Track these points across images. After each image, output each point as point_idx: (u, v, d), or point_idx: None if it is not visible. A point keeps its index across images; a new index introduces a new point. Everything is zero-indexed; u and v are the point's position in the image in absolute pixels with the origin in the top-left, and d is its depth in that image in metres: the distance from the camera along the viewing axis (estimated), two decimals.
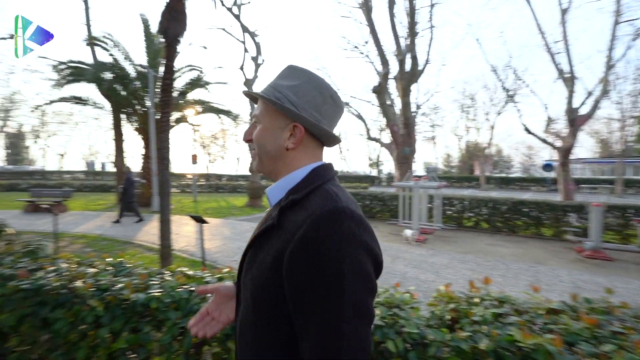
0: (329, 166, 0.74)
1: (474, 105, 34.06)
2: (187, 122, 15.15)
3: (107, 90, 12.47)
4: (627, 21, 11.75)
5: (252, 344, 0.68)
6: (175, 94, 12.69)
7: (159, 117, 12.08)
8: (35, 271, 2.17)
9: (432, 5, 13.35)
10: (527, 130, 13.20)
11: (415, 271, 5.14)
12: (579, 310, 1.50)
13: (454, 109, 48.70)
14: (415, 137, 14.15)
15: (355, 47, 16.83)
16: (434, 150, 54.74)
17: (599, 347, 1.20)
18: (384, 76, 13.72)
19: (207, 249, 5.62)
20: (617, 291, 1.79)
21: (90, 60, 13.22)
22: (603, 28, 13.94)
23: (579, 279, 4.86)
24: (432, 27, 13.61)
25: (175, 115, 13.67)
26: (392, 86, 14.57)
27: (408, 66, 13.30)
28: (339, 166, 45.25)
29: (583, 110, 11.76)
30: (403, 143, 13.09)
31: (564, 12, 12.05)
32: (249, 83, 15.60)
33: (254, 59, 16.33)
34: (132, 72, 12.94)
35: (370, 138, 18.59)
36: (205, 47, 16.69)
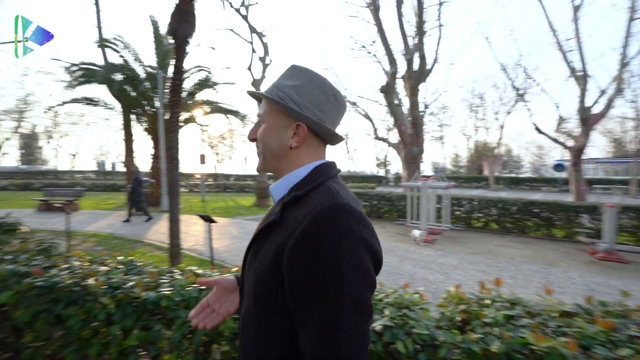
0: (331, 164, 0.75)
1: (483, 104, 33.71)
2: (195, 122, 15.30)
3: (118, 91, 12.67)
4: None
5: (254, 339, 0.69)
6: (184, 94, 12.82)
7: (168, 117, 12.24)
8: (49, 269, 2.22)
9: (440, 4, 13.22)
10: (538, 130, 12.99)
11: (423, 272, 5.10)
12: (594, 313, 1.47)
13: (463, 109, 48.25)
14: (424, 137, 14.03)
15: (363, 46, 16.79)
16: (442, 150, 54.32)
17: (615, 351, 1.17)
18: (392, 75, 13.65)
19: (215, 248, 5.66)
20: (632, 294, 1.75)
21: (101, 62, 13.45)
22: (617, 25, 13.57)
23: (592, 282, 4.76)
24: (440, 25, 13.50)
25: (183, 115, 13.81)
26: (399, 86, 14.50)
27: (416, 65, 13.20)
28: (346, 166, 45.20)
29: (596, 109, 11.53)
30: (411, 143, 13.00)
31: (577, 9, 11.82)
32: (256, 83, 15.68)
33: (262, 59, 16.40)
34: (141, 73, 13.12)
35: (377, 138, 18.51)
36: (213, 48, 16.84)
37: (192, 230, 8.17)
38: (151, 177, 13.56)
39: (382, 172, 41.10)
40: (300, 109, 0.71)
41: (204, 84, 14.03)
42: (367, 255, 0.60)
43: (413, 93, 13.23)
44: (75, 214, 10.91)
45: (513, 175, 40.64)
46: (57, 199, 11.92)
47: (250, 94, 0.81)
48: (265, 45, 16.46)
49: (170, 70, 13.44)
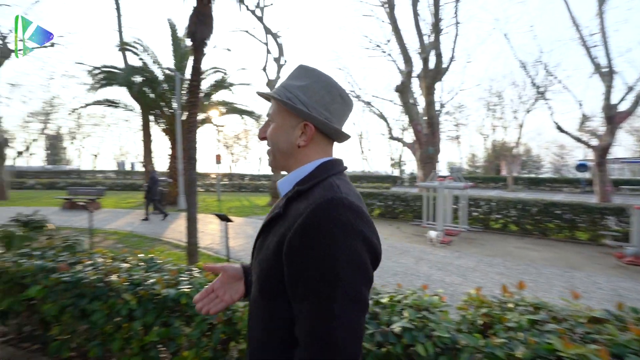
0: (336, 161, 0.77)
1: (501, 103, 32.74)
2: (211, 122, 15.55)
3: (137, 93, 13.04)
4: None
5: (260, 327, 0.72)
6: (200, 95, 13.05)
7: (185, 118, 12.46)
8: (74, 265, 2.29)
9: (457, 1, 12.96)
10: (560, 129, 12.58)
11: (440, 273, 5.01)
12: (626, 320, 1.40)
13: (480, 108, 47.12)
14: (440, 137, 13.80)
15: (378, 45, 16.66)
16: (458, 150, 53.27)
17: None
18: (407, 75, 13.48)
19: (231, 247, 5.74)
20: None
21: (122, 65, 13.86)
22: None
23: (619, 287, 4.56)
24: (457, 23, 13.22)
25: (200, 116, 14.06)
26: (415, 85, 14.31)
27: (432, 64, 12.99)
28: (360, 166, 44.95)
29: (622, 107, 11.05)
30: (427, 142, 12.81)
31: (602, 2, 11.37)
32: (271, 84, 15.80)
33: (277, 60, 16.51)
34: (160, 75, 13.45)
35: (392, 138, 18.32)
36: (229, 50, 16.99)
37: (209, 229, 8.31)
38: (169, 176, 13.88)
39: (396, 172, 40.66)
40: (307, 109, 0.73)
41: (220, 85, 14.25)
42: (364, 248, 0.61)
43: (429, 92, 13.03)
44: (97, 212, 11.28)
45: (532, 175, 39.45)
46: (80, 197, 12.35)
47: (260, 94, 0.84)
48: (280, 46, 16.56)
49: (188, 72, 13.74)
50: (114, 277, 2.00)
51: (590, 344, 1.20)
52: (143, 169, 16.88)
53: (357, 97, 19.36)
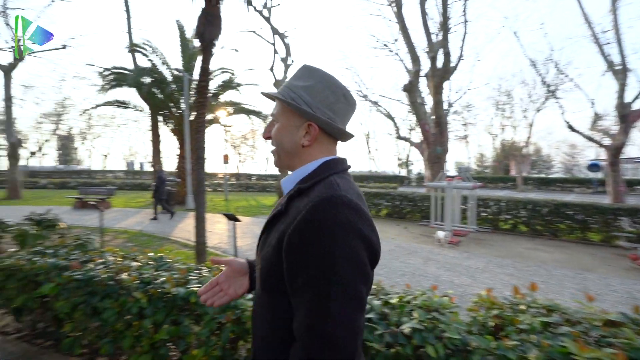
0: (339, 160, 0.78)
1: (510, 102, 32.27)
2: (219, 123, 15.65)
3: (146, 94, 13.20)
4: None
5: (263, 321, 0.73)
6: (208, 95, 13.16)
7: (193, 118, 12.56)
8: (86, 263, 2.33)
9: None
10: (571, 128, 12.34)
11: (448, 274, 4.96)
12: None
13: (488, 107, 46.52)
14: (448, 136, 13.66)
15: (385, 45, 16.58)
16: (466, 149, 52.63)
17: None
18: (415, 74, 13.38)
19: (238, 246, 5.76)
20: None
21: (131, 66, 14.04)
22: None
23: (634, 289, 4.45)
24: (465, 21, 13.08)
25: (208, 116, 14.17)
26: (422, 84, 14.20)
27: (440, 63, 12.87)
28: (368, 166, 44.79)
29: (636, 105, 10.79)
30: (435, 142, 12.69)
31: None
32: (278, 84, 15.85)
33: (284, 60, 16.56)
34: (168, 76, 13.59)
35: (399, 137, 18.22)
36: (236, 50, 17.13)
37: (216, 229, 8.37)
38: (177, 176, 14.02)
39: (403, 172, 40.42)
40: (311, 109, 0.74)
41: (228, 85, 14.34)
42: (362, 246, 0.61)
43: (437, 91, 12.91)
44: (107, 211, 11.46)
45: (543, 175, 38.80)
46: (91, 197, 12.55)
47: (264, 94, 0.84)
48: (287, 46, 16.61)
49: (195, 72, 13.86)
50: (124, 276, 2.03)
51: (606, 348, 1.17)
52: (152, 169, 17.08)
53: (364, 96, 19.31)
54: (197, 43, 13.93)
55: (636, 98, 10.81)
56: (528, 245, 7.14)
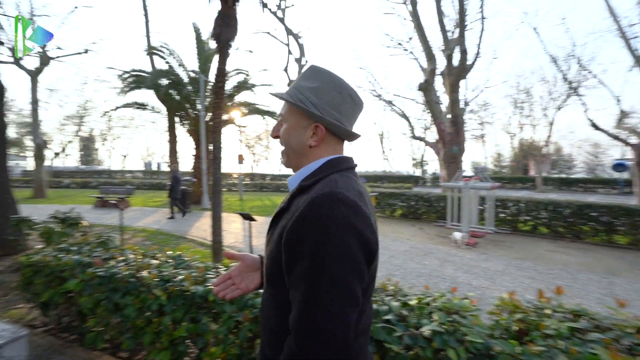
0: (342, 159, 0.79)
1: (529, 100, 31.31)
2: (234, 123, 15.84)
3: (164, 95, 13.49)
4: None
5: (270, 315, 0.75)
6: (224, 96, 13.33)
7: (209, 119, 12.73)
8: (108, 260, 2.39)
9: None
10: (595, 126, 11.88)
11: (466, 276, 4.85)
12: None
13: (506, 105, 45.35)
14: (464, 136, 13.38)
15: (399, 43, 16.42)
16: (483, 149, 51.50)
17: None
18: (431, 72, 13.17)
19: (254, 246, 5.81)
20: None
21: (150, 69, 14.39)
22: None
23: None
24: (482, 18, 12.79)
25: (223, 116, 14.36)
26: (438, 83, 13.96)
27: (456, 61, 12.63)
28: (382, 166, 44.40)
29: None
30: (451, 142, 12.45)
31: None
32: (292, 84, 15.90)
33: (298, 60, 16.62)
34: (185, 78, 13.85)
35: (414, 137, 17.99)
36: (251, 51, 17.34)
37: (232, 228, 8.46)
38: (193, 176, 14.28)
39: (418, 172, 39.87)
40: (318, 110, 0.75)
41: (243, 86, 14.49)
42: (356, 242, 0.62)
43: (453, 90, 12.67)
44: (126, 210, 11.78)
45: (564, 175, 37.53)
46: (111, 196, 12.95)
47: (273, 95, 0.86)
48: (301, 47, 16.66)
49: (211, 74, 14.08)
50: (145, 273, 2.07)
51: None
52: (168, 169, 17.46)
53: (379, 96, 19.16)
54: (213, 44, 14.09)
55: None
56: (549, 247, 6.91)
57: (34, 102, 16.47)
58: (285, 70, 16.62)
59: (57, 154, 34.71)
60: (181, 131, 15.21)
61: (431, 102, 13.02)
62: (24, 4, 22.63)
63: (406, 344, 1.36)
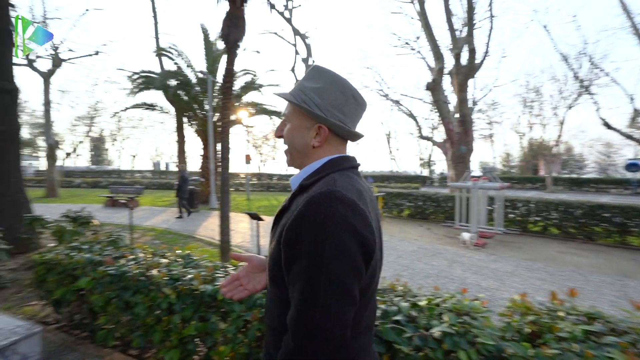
0: (344, 158, 0.79)
1: (539, 99, 30.82)
2: (241, 123, 15.92)
3: (172, 96, 13.63)
4: None
5: (273, 314, 0.75)
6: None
7: (218, 118, 12.79)
8: (119, 259, 2.42)
9: None
10: (607, 125, 11.67)
11: (475, 277, 4.80)
12: None
13: (515, 104, 44.79)
14: (472, 135, 13.23)
15: (407, 43, 16.34)
16: (492, 149, 50.88)
17: None
18: (439, 72, 13.06)
19: (261, 245, 5.83)
20: None
21: (158, 70, 14.55)
22: None
23: None
24: (491, 16, 12.65)
25: (231, 117, 14.43)
26: (446, 82, 13.84)
27: (464, 60, 12.51)
28: (389, 166, 44.19)
29: None
30: (459, 141, 12.33)
31: None
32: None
33: (305, 60, 16.65)
34: (193, 79, 13.97)
35: (422, 137, 17.87)
36: (258, 52, 17.42)
37: (239, 228, 8.51)
38: (200, 176, 14.40)
39: (425, 172, 39.59)
40: (321, 111, 0.76)
41: (250, 86, 14.56)
42: (352, 240, 0.62)
43: (461, 89, 12.55)
44: (135, 209, 11.93)
45: (574, 176, 36.87)
46: (121, 195, 13.14)
47: (277, 95, 0.86)
48: (308, 47, 16.68)
49: (219, 75, 14.17)
50: (154, 272, 2.09)
51: None
52: (177, 169, 17.63)
53: (386, 95, 19.07)
54: (221, 45, 14.16)
55: None
56: (560, 248, 6.80)
57: (47, 103, 16.79)
58: (293, 70, 16.66)
59: (68, 154, 35.30)
60: (189, 131, 15.37)
61: (439, 101, 12.92)
62: (38, 7, 23.07)
63: (416, 345, 1.34)
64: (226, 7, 4.31)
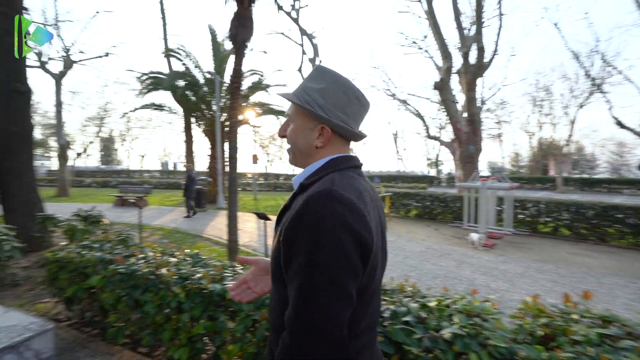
0: (345, 158, 0.79)
1: (549, 98, 30.33)
2: (248, 123, 15.99)
3: (180, 97, 13.76)
4: None
5: (275, 312, 0.76)
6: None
7: (226, 118, 12.86)
8: (129, 257, 2.44)
9: None
10: (620, 124, 11.44)
11: (484, 278, 4.74)
12: None
13: (524, 104, 44.16)
14: (481, 135, 13.07)
15: (414, 42, 16.22)
16: (500, 148, 50.21)
17: None
18: (447, 71, 12.94)
19: (269, 245, 5.85)
20: None
21: (167, 70, 14.70)
22: None
23: None
24: (500, 14, 12.48)
25: (238, 117, 14.50)
26: (454, 81, 13.70)
27: (473, 59, 12.37)
28: (396, 166, 43.95)
29: None
30: (467, 141, 12.20)
31: None
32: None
33: (312, 60, 16.66)
34: (201, 79, 14.08)
35: (429, 136, 17.73)
36: (265, 52, 17.50)
37: (246, 227, 8.55)
38: (208, 176, 14.50)
39: (433, 172, 39.28)
40: (324, 112, 0.76)
41: (257, 86, 14.61)
42: (349, 239, 0.62)
43: (470, 88, 12.41)
44: (144, 209, 12.06)
45: (586, 176, 36.21)
46: (130, 195, 13.31)
47: (281, 95, 0.87)
48: (315, 47, 16.69)
49: (226, 75, 14.25)
50: (164, 271, 2.11)
51: None
52: (184, 169, 17.79)
53: (393, 95, 18.97)
54: (228, 46, 14.22)
55: None
56: (571, 249, 6.68)
57: (58, 104, 17.09)
58: (299, 70, 16.69)
59: (79, 154, 35.93)
60: (197, 131, 15.49)
61: (447, 101, 12.80)
62: (50, 10, 23.57)
63: (426, 347, 1.33)
64: (234, 7, 4.34)
